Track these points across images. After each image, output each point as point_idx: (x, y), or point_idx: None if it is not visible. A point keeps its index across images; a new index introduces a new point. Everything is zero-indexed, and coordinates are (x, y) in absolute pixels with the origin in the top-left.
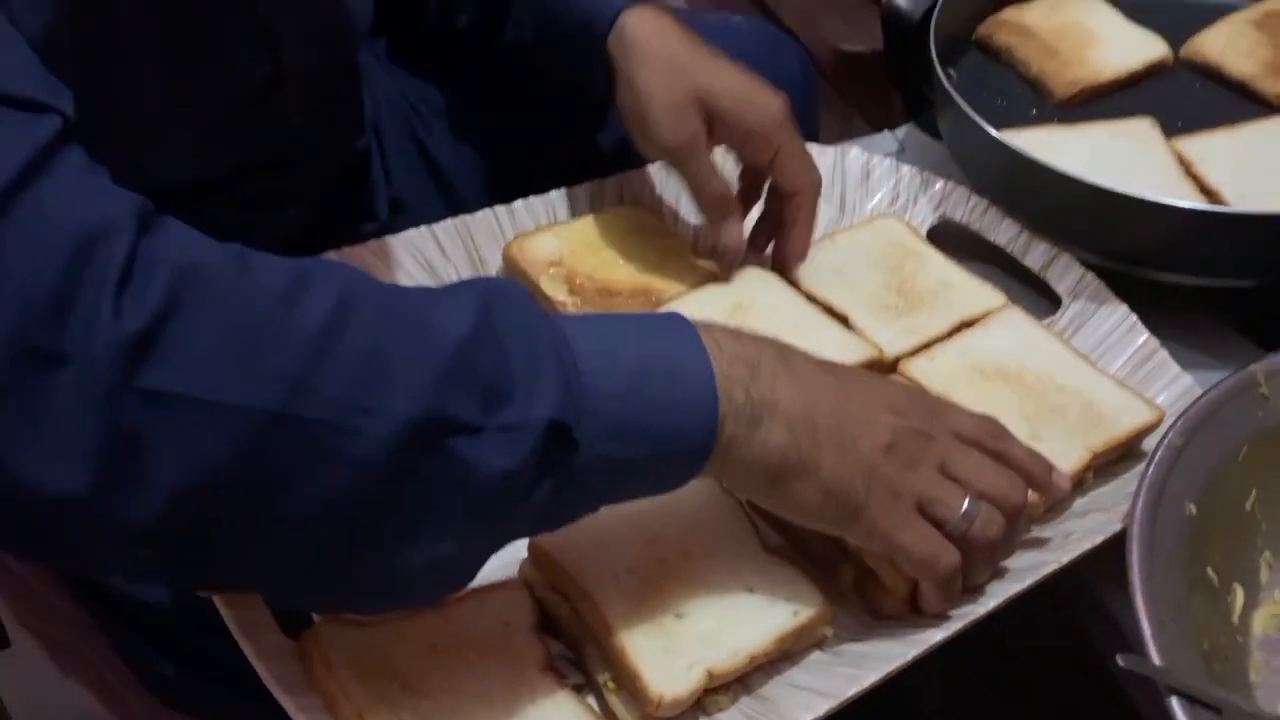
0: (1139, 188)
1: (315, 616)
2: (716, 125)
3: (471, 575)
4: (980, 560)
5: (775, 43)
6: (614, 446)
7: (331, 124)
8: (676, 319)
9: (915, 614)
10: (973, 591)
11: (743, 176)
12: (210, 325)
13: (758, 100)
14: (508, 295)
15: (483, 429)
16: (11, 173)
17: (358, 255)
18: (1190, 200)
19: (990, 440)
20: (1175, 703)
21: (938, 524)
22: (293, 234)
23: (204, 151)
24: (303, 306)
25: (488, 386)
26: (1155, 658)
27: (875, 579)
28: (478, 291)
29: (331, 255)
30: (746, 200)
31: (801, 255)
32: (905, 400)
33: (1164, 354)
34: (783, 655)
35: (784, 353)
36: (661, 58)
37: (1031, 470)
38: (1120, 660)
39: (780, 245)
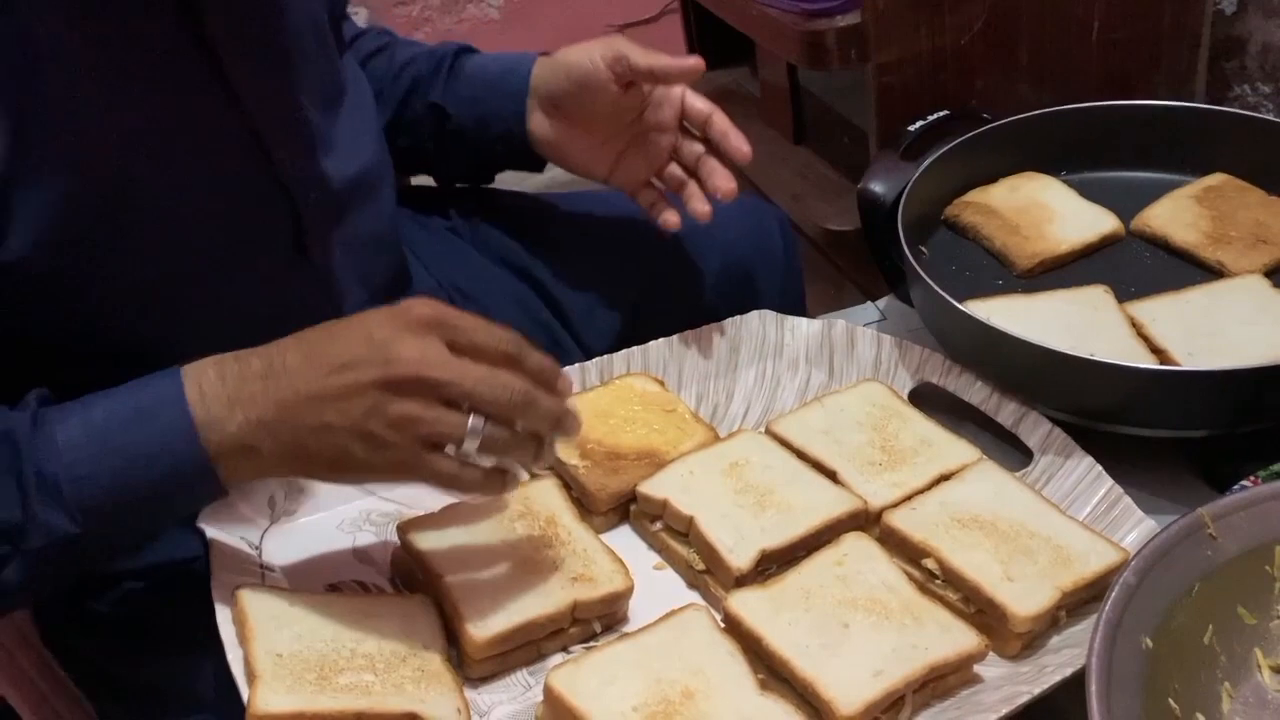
0: (1095, 350)
1: None
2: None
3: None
4: (513, 455)
5: (755, 208)
6: (114, 530)
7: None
8: (165, 396)
9: None
10: (536, 457)
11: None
12: None
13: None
14: (13, 455)
15: (9, 556)
16: None
17: None
18: (1142, 360)
19: (493, 348)
20: None
21: (453, 447)
22: None
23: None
24: None
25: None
26: None
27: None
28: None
29: None
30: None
31: (745, 152)
32: (380, 356)
33: (1127, 500)
34: None
35: (268, 366)
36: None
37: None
38: None
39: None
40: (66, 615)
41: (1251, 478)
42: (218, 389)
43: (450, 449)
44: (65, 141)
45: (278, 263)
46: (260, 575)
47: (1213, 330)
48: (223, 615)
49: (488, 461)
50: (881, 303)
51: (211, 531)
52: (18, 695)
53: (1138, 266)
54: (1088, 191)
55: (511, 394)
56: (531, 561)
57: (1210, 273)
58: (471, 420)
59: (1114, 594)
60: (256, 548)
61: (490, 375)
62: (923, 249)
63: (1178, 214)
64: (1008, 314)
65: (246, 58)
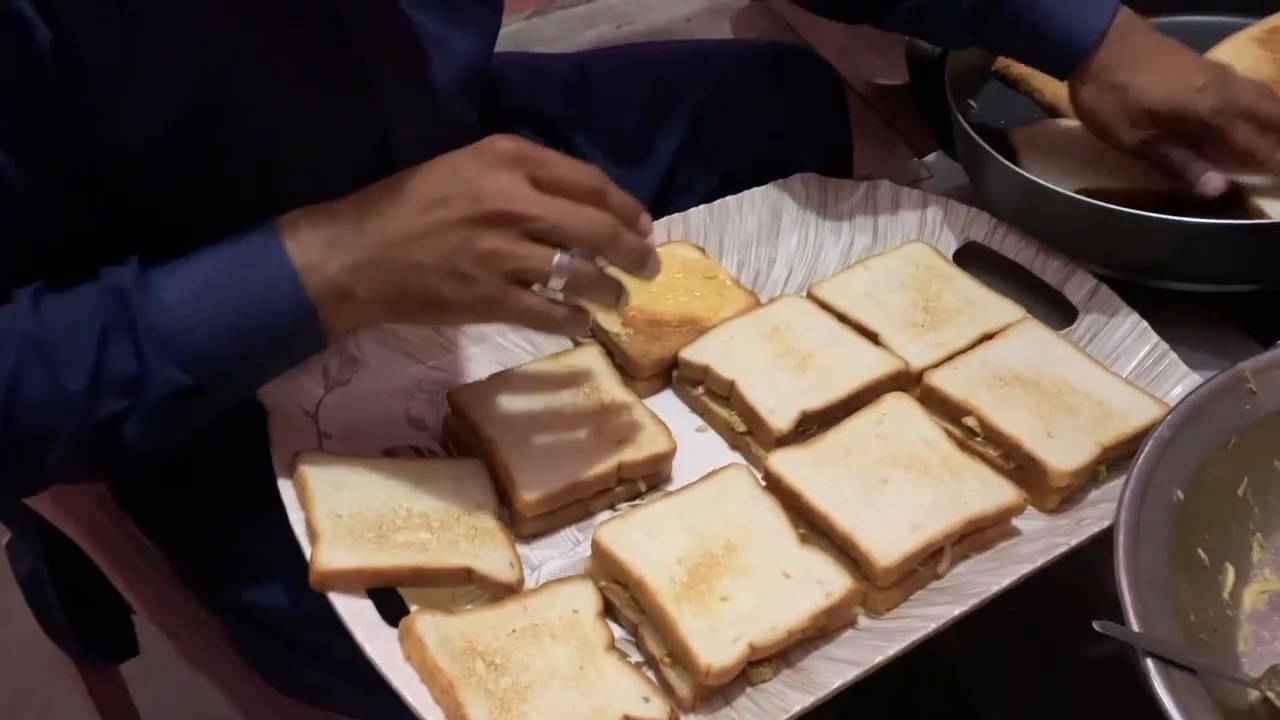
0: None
1: (411, 606)
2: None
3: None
4: (596, 294)
5: (809, 65)
6: (225, 381)
7: None
8: (264, 246)
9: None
10: (617, 296)
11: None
12: None
13: (1185, 106)
14: (125, 312)
15: (130, 410)
16: None
17: None
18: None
19: (577, 182)
20: (1150, 664)
21: (541, 284)
22: None
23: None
24: None
25: (119, 385)
26: (1134, 625)
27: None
28: (99, 325)
29: None
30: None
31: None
32: (467, 192)
33: (1173, 356)
34: (819, 633)
35: (359, 211)
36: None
37: (622, 205)
38: (1097, 626)
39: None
40: (135, 477)
41: None
42: (312, 236)
43: (536, 286)
44: (171, 35)
45: (363, 173)
46: (318, 442)
47: (1270, 180)
48: (283, 480)
49: (571, 300)
50: (930, 159)
51: (270, 401)
52: (101, 554)
53: None
54: None
55: (597, 228)
56: (577, 425)
57: None
58: (558, 256)
59: (1147, 448)
60: (313, 416)
61: (576, 210)
62: (971, 103)
63: (1237, 58)
64: (1057, 167)
65: None
